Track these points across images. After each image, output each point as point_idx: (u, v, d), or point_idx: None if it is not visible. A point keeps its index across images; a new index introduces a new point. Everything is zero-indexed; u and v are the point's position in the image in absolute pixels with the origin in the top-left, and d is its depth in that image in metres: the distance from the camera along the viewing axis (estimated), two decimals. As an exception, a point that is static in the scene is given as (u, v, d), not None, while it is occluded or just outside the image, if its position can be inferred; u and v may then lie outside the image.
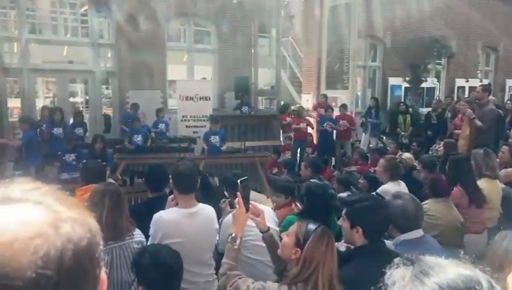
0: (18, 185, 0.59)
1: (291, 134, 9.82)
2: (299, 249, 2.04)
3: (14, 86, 10.14)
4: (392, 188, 3.96)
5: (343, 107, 10.04)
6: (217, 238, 3.75)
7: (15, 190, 0.58)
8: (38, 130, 7.73)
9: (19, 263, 0.50)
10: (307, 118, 9.88)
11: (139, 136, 8.14)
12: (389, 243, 2.67)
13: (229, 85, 11.19)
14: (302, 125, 9.55)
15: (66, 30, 10.22)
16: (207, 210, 3.00)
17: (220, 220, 3.80)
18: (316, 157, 6.11)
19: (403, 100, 12.00)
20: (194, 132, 9.85)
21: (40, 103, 10.37)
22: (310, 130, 9.97)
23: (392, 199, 2.71)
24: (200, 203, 2.98)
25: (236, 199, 2.30)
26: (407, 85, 13.02)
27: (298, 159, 9.36)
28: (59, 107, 8.87)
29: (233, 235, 2.25)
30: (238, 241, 2.24)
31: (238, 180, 2.32)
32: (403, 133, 10.35)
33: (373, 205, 2.37)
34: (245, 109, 10.10)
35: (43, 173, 7.49)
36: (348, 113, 10.16)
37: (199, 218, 2.90)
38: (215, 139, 7.66)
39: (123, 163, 6.93)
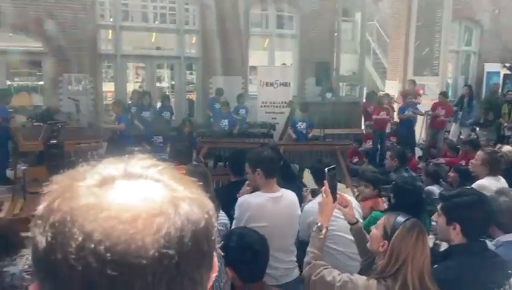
0: (137, 161, 0.59)
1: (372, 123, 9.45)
2: (386, 241, 1.97)
3: (108, 71, 10.87)
4: (490, 183, 3.63)
5: (443, 94, 9.28)
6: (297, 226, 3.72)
7: (135, 165, 0.57)
8: (129, 112, 8.23)
9: (142, 241, 0.49)
10: (386, 106, 9.39)
11: (226, 121, 8.33)
12: (488, 243, 2.45)
13: (310, 71, 11.02)
14: (382, 114, 9.12)
15: (155, 17, 10.70)
16: (290, 195, 2.99)
17: (301, 208, 3.75)
18: (402, 148, 5.79)
19: (501, 88, 10.96)
20: (272, 118, 9.90)
21: (130, 87, 11.02)
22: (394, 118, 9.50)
23: (496, 196, 2.47)
24: (283, 189, 2.97)
25: (323, 187, 2.24)
26: (507, 72, 11.86)
27: (379, 149, 9.01)
28: (148, 91, 9.37)
29: (318, 224, 2.22)
30: (323, 231, 2.21)
31: (326, 169, 2.24)
32: (506, 124, 9.39)
33: (474, 200, 2.17)
34: (329, 95, 9.86)
35: (133, 153, 7.97)
36: (448, 101, 9.41)
37: (283, 203, 2.90)
38: (302, 126, 7.62)
39: (206, 146, 7.14)
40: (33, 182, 6.80)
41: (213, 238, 0.56)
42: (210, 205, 0.58)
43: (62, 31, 9.12)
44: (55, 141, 7.24)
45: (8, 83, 9.68)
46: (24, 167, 7.00)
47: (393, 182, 3.34)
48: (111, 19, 10.13)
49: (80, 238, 0.48)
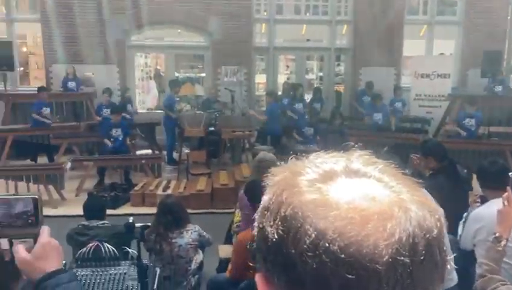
0: (357, 157, 0.56)
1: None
2: None
3: (261, 63, 11.39)
4: None
5: None
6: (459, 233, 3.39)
7: (355, 162, 0.55)
8: (280, 103, 8.53)
9: (375, 245, 0.46)
10: None
11: (379, 114, 8.03)
12: None
13: (474, 61, 9.88)
14: None
15: (307, 9, 10.80)
16: None
17: (465, 214, 3.42)
18: None
19: None
20: (427, 112, 9.24)
21: (280, 79, 11.39)
22: None
23: None
24: None
25: (505, 194, 1.99)
26: None
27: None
28: (300, 83, 9.61)
29: (497, 235, 1.98)
30: (503, 243, 1.97)
31: (510, 173, 1.98)
32: None
33: None
34: (498, 88, 8.71)
35: (280, 143, 8.28)
36: None
37: None
38: (470, 122, 6.94)
39: (354, 139, 6.99)
40: (194, 164, 7.57)
41: (445, 248, 0.51)
42: (440, 211, 0.53)
43: (222, 27, 9.86)
44: (213, 128, 7.93)
45: (176, 74, 10.87)
46: (187, 151, 7.82)
47: None
48: (265, 13, 10.57)
49: (313, 236, 0.47)
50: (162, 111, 9.01)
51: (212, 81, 10.17)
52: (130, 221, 2.52)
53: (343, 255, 0.46)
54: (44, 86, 9.02)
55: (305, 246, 0.47)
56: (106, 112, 7.92)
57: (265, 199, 0.55)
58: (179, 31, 10.58)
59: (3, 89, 8.73)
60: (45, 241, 1.06)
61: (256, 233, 0.55)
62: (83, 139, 8.15)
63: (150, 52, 11.49)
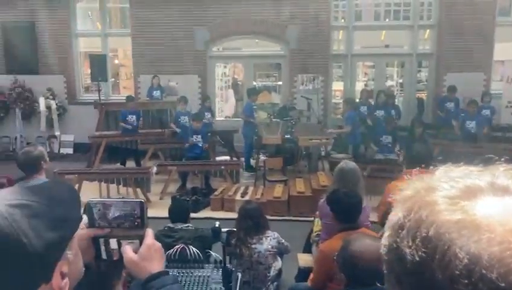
0: (503, 171, 0.52)
1: None
2: None
3: (338, 70, 11.22)
4: None
5: None
6: None
7: (501, 178, 0.51)
8: (358, 111, 8.35)
9: None
10: None
11: (473, 122, 7.56)
12: None
13: None
14: None
15: (386, 15, 10.48)
16: None
17: None
18: None
19: None
20: (521, 120, 8.53)
21: (358, 86, 11.13)
22: None
23: None
24: None
25: None
26: None
27: None
28: (382, 90, 9.36)
29: None
30: None
31: None
32: None
33: None
34: None
35: (359, 151, 8.09)
36: None
37: None
38: None
39: (437, 149, 6.65)
40: (270, 171, 7.64)
41: None
42: None
43: (299, 35, 9.88)
44: (289, 136, 7.96)
45: (254, 83, 11.09)
46: (264, 158, 7.92)
47: None
48: (342, 20, 10.42)
49: (466, 260, 0.44)
50: (239, 119, 9.23)
51: (289, 89, 10.22)
52: (217, 225, 2.61)
53: (503, 284, 0.42)
54: (133, 95, 9.69)
55: (456, 272, 0.44)
56: (183, 119, 8.30)
57: (398, 216, 0.52)
58: (257, 40, 10.78)
59: (98, 98, 9.50)
60: (150, 243, 1.10)
61: (386, 252, 0.52)
62: (167, 145, 8.59)
63: (229, 62, 11.84)
